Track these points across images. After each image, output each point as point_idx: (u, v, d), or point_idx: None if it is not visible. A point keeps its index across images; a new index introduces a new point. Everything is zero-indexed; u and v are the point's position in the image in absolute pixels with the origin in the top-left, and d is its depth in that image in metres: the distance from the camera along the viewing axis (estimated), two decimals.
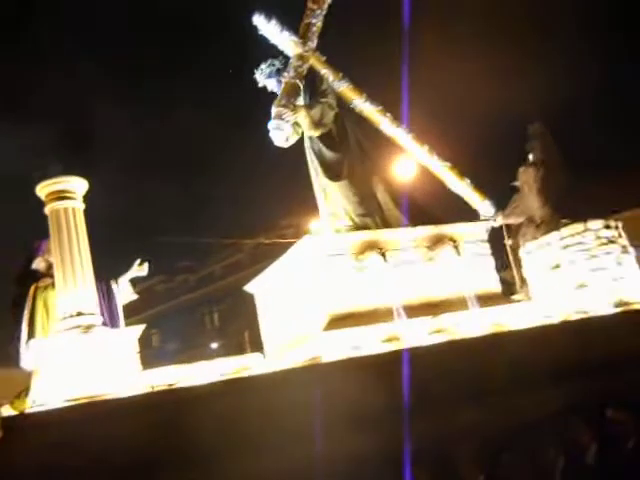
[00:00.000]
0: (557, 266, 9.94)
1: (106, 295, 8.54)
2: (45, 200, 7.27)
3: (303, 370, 6.93)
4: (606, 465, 6.26)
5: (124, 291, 8.76)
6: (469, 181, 10.94)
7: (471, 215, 10.88)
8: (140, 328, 7.03)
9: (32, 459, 5.44)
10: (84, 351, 6.55)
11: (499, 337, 7.66)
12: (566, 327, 8.15)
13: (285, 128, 8.97)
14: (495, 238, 11.84)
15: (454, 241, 8.67)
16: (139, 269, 8.89)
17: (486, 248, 9.16)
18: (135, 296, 8.88)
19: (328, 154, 9.12)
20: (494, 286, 8.92)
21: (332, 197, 9.06)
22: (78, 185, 7.37)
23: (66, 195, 7.26)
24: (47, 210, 7.26)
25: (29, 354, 6.98)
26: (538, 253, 10.24)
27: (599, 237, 9.85)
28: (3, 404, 7.27)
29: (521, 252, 10.64)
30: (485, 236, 9.25)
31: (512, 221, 11.58)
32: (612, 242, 9.87)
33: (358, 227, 8.86)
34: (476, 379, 6.98)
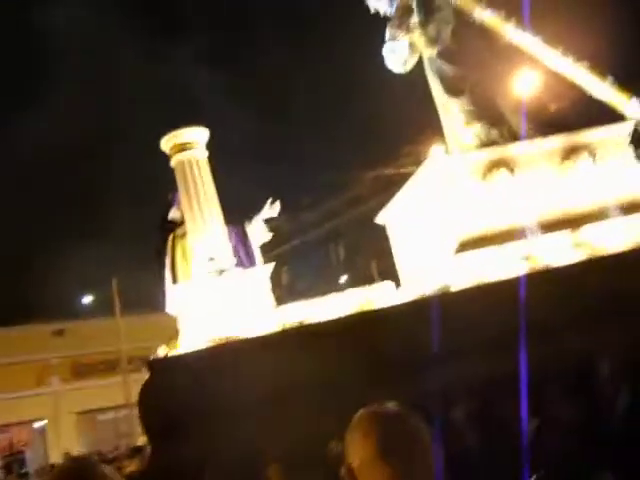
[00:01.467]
0: None
1: (242, 236, 8.86)
2: (170, 153, 7.58)
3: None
4: None
5: (259, 231, 9.03)
6: (612, 80, 10.05)
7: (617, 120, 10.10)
8: (270, 267, 7.24)
9: (174, 398, 5.85)
10: (218, 294, 6.87)
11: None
12: None
13: (400, 50, 8.65)
14: None
15: (590, 149, 8.05)
16: (271, 209, 9.10)
17: (629, 152, 8.43)
18: (270, 235, 9.12)
19: (448, 70, 8.70)
20: None
21: (455, 114, 8.69)
22: (199, 135, 7.60)
23: (188, 146, 7.51)
24: (172, 163, 7.56)
25: (172, 299, 7.41)
26: None
27: None
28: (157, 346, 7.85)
29: None
30: (627, 139, 8.49)
31: None
32: None
33: (485, 143, 8.46)
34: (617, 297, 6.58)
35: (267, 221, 9.11)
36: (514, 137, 8.52)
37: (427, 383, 6.05)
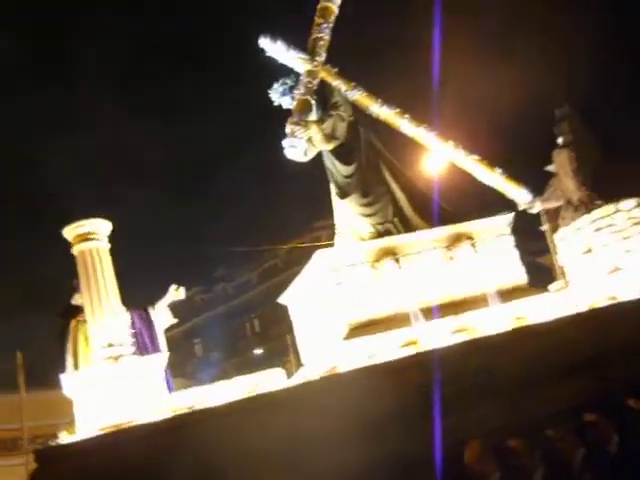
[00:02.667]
0: (589, 250, 9.81)
1: (145, 321, 9.13)
2: (72, 242, 7.87)
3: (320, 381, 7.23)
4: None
5: (163, 316, 9.31)
6: (500, 171, 10.92)
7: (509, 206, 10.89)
8: (164, 355, 7.53)
9: None
10: (114, 380, 7.10)
11: (515, 333, 7.69)
12: (589, 316, 8.07)
13: (299, 145, 9.24)
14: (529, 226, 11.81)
15: (471, 239, 8.73)
16: (176, 294, 9.41)
17: (509, 241, 9.16)
18: (174, 320, 9.41)
19: (340, 168, 9.34)
20: (520, 279, 8.93)
21: (344, 213, 9.30)
22: (102, 227, 7.93)
23: (90, 237, 7.82)
24: (74, 251, 7.85)
25: (70, 384, 7.56)
26: (571, 238, 10.13)
27: (632, 217, 9.67)
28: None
29: (555, 238, 10.55)
30: (508, 229, 9.23)
31: (551, 205, 11.46)
32: None
33: (380, 233, 9.06)
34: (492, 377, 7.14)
35: (171, 306, 9.43)
36: (407, 228, 9.17)
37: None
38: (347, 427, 6.52)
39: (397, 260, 8.35)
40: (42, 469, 6.17)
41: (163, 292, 9.53)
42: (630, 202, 9.69)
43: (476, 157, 10.75)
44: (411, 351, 7.69)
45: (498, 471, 6.18)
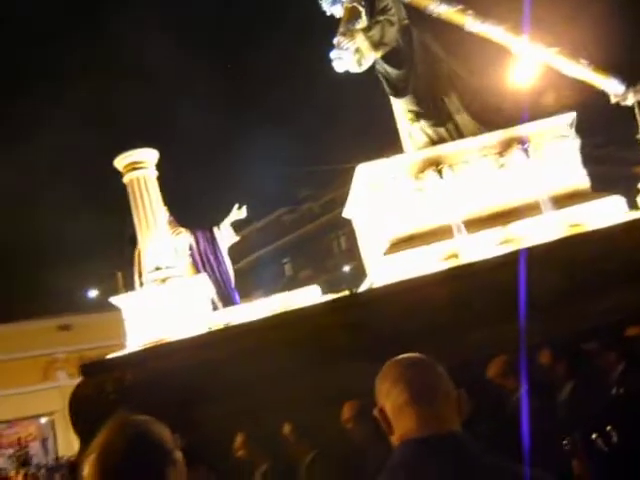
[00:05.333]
0: None
1: (210, 240, 9.58)
2: (122, 171, 8.34)
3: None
4: None
5: (227, 235, 9.73)
6: (586, 61, 9.99)
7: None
8: (202, 278, 7.95)
9: (108, 399, 6.64)
10: (159, 300, 7.63)
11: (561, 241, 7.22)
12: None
13: (345, 56, 8.97)
14: None
15: (523, 143, 8.17)
16: (238, 213, 9.77)
17: (571, 143, 8.47)
18: (237, 238, 9.80)
19: (393, 72, 9.00)
20: (580, 183, 8.29)
21: (401, 114, 8.99)
22: (149, 156, 8.33)
23: (139, 166, 8.25)
24: (125, 180, 8.33)
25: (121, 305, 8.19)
26: None
27: None
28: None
29: None
30: (569, 130, 8.52)
31: None
32: None
33: (433, 140, 8.74)
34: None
35: (234, 224, 9.80)
36: (460, 134, 8.75)
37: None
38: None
39: (440, 171, 8.03)
40: (85, 382, 6.84)
41: (250, 213, 10.01)
42: None
43: (554, 49, 9.89)
44: (451, 264, 7.52)
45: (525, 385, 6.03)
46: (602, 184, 9.58)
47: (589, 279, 6.92)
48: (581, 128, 9.25)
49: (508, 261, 7.29)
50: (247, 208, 9.87)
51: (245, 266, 27.04)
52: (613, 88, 10.03)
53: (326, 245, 31.20)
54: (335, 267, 28.47)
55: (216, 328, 7.21)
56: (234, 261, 10.11)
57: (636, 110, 11.03)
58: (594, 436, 5.48)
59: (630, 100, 10.19)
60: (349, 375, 6.74)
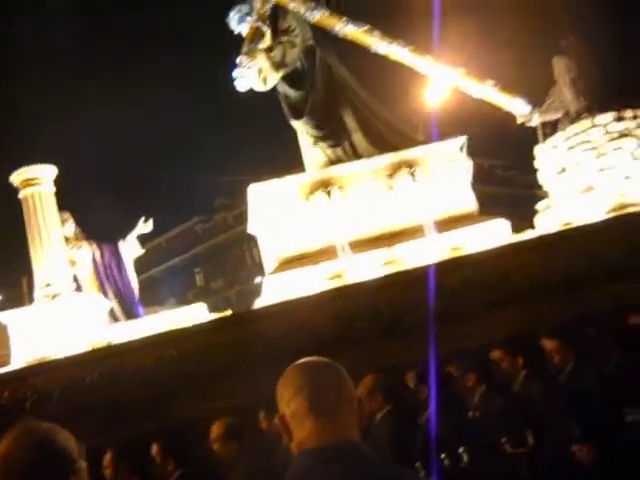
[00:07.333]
0: (563, 170, 9.17)
1: (115, 254, 9.70)
2: (19, 187, 8.42)
3: None
4: None
5: (132, 248, 9.85)
6: (492, 82, 10.27)
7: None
8: (94, 295, 8.08)
9: None
10: (48, 316, 7.75)
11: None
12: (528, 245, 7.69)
13: (247, 76, 9.12)
14: None
15: (412, 166, 8.42)
16: (144, 226, 9.89)
17: (461, 166, 8.74)
18: (142, 251, 9.93)
19: (292, 93, 9.18)
20: (467, 207, 8.56)
21: (302, 135, 9.19)
22: (47, 172, 8.42)
23: (35, 182, 8.34)
24: (20, 196, 8.41)
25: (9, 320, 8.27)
26: (547, 156, 9.50)
27: (608, 132, 8.89)
28: None
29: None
30: (460, 154, 8.79)
31: (550, 117, 10.69)
32: (625, 135, 8.84)
33: (331, 160, 8.94)
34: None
35: (140, 238, 9.92)
36: (357, 154, 8.96)
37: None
38: None
39: (329, 193, 8.25)
40: None
41: (165, 221, 10.10)
42: (608, 116, 8.90)
43: (462, 70, 10.16)
44: (335, 284, 7.75)
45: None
46: (505, 206, 9.91)
47: (459, 303, 7.21)
48: (490, 150, 9.56)
49: (389, 282, 7.57)
50: (159, 218, 10.02)
51: (157, 274, 27.01)
52: (519, 109, 10.36)
53: (239, 256, 31.21)
54: (248, 279, 28.45)
55: (96, 346, 7.36)
56: (145, 269, 10.26)
57: (539, 131, 11.44)
58: (442, 456, 5.79)
59: (535, 121, 10.54)
60: (225, 394, 7.01)
